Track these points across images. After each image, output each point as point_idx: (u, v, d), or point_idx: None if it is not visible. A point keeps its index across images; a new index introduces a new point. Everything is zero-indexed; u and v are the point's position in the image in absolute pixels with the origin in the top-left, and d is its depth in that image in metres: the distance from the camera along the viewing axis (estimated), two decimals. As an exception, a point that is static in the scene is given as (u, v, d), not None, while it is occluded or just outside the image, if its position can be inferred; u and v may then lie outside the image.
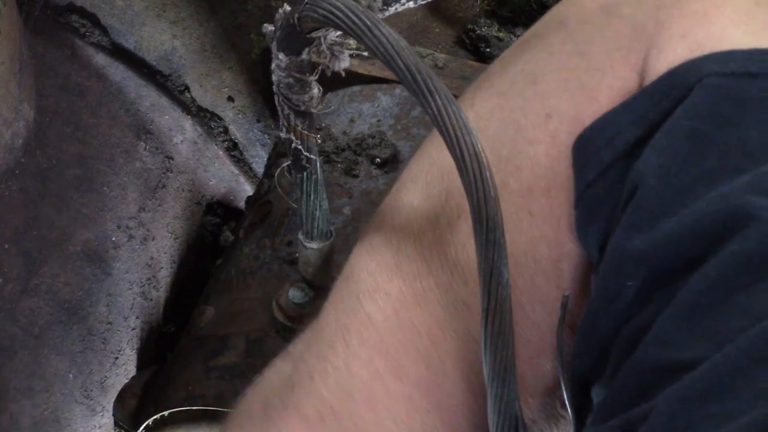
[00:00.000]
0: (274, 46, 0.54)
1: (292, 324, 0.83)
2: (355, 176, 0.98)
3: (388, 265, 0.48)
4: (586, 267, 0.44)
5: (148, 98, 1.22)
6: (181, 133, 1.26)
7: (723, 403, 0.31)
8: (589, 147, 0.43)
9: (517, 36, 1.12)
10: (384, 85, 1.06)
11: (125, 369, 1.10)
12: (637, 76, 0.44)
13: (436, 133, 0.53)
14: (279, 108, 0.59)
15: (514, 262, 0.44)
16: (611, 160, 0.42)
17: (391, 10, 0.53)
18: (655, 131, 0.41)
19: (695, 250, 0.36)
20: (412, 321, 0.47)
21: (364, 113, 1.04)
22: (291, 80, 0.56)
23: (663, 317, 0.35)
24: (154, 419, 0.90)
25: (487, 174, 0.40)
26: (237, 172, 1.36)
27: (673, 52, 0.43)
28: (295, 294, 0.82)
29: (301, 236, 0.74)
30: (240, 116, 1.34)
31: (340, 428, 0.47)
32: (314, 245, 0.74)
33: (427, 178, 0.50)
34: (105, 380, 1.06)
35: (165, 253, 1.18)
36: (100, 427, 1.05)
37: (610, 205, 0.42)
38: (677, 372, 0.33)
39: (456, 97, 0.42)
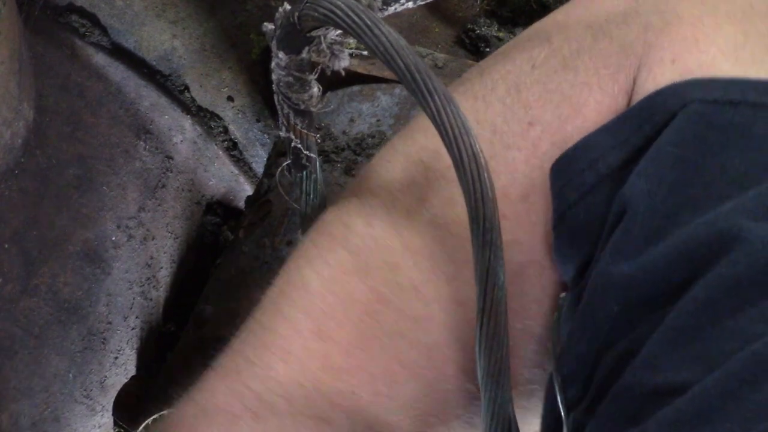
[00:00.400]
0: (274, 45, 0.54)
1: (292, 324, 0.83)
2: (355, 176, 0.99)
3: (335, 238, 0.49)
4: (555, 277, 0.45)
5: (148, 98, 1.22)
6: (181, 132, 1.26)
7: (714, 427, 0.31)
8: (570, 169, 0.43)
9: (517, 35, 1.12)
10: (384, 85, 1.06)
11: (125, 369, 1.10)
12: (625, 96, 0.44)
13: (421, 116, 0.54)
14: (278, 107, 0.59)
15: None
16: (593, 182, 0.42)
17: (391, 9, 0.53)
18: (639, 155, 0.41)
19: (683, 274, 0.36)
20: (347, 289, 0.48)
21: (363, 113, 1.04)
22: (291, 79, 0.56)
23: (651, 341, 0.35)
24: (154, 419, 0.90)
25: (485, 175, 0.40)
26: (237, 171, 1.36)
27: (662, 76, 0.43)
28: (294, 294, 0.82)
29: (300, 236, 0.74)
30: (240, 116, 1.34)
31: (253, 378, 0.48)
32: (314, 245, 0.74)
33: (392, 162, 0.50)
34: (105, 380, 1.06)
35: (165, 252, 1.18)
36: (99, 426, 1.05)
37: (591, 228, 0.42)
38: (667, 396, 0.33)
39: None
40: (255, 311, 0.53)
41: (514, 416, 0.43)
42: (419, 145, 0.50)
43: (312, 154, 0.62)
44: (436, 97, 0.41)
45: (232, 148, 1.35)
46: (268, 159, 1.21)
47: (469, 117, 0.47)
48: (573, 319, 0.41)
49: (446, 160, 0.42)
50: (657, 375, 0.34)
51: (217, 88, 1.31)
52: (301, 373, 0.47)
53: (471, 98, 0.49)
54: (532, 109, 0.46)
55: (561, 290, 0.45)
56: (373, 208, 0.49)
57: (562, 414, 0.41)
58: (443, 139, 0.41)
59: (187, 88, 1.28)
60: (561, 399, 0.41)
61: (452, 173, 0.42)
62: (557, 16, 0.52)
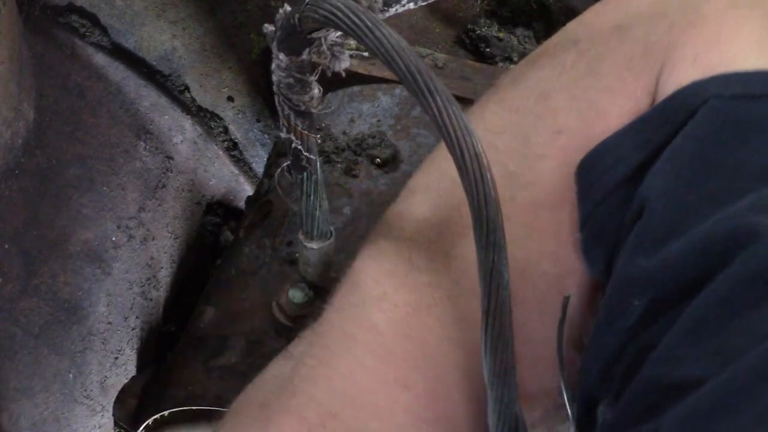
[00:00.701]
0: (274, 47, 0.54)
1: (292, 324, 0.83)
2: (355, 176, 0.98)
3: (397, 274, 0.48)
4: (590, 284, 0.45)
5: (148, 98, 1.22)
6: (181, 133, 1.26)
7: (730, 422, 0.31)
8: (594, 170, 0.43)
9: (517, 36, 1.12)
10: (384, 85, 1.06)
11: (125, 369, 1.10)
12: (648, 96, 0.45)
13: (440, 145, 0.53)
14: (279, 108, 0.59)
15: (520, 276, 0.44)
16: (616, 183, 0.42)
17: (392, 11, 0.53)
18: (659, 154, 0.41)
19: (701, 269, 0.36)
20: (419, 332, 0.46)
21: (364, 113, 1.04)
22: (291, 80, 0.56)
23: (669, 335, 0.35)
24: (154, 419, 0.90)
25: (488, 175, 0.40)
26: (237, 172, 1.36)
27: (684, 74, 0.43)
28: (295, 294, 0.82)
29: (301, 236, 0.74)
30: (240, 116, 1.34)
31: None
32: (314, 245, 0.74)
33: (439, 189, 0.50)
34: (105, 380, 1.06)
35: (165, 253, 1.18)
36: (100, 427, 1.05)
37: (615, 227, 0.42)
38: (684, 389, 0.33)
39: (457, 98, 0.42)
40: (319, 348, 0.50)
41: (522, 415, 0.43)
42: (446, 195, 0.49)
43: (312, 156, 0.62)
44: (437, 98, 0.41)
45: (233, 149, 1.35)
46: (268, 159, 1.21)
47: (506, 131, 0.47)
48: (600, 313, 0.41)
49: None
50: (674, 369, 0.35)
51: (217, 89, 1.31)
52: (396, 428, 0.46)
53: (506, 111, 0.49)
54: (559, 117, 0.46)
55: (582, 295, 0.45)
56: (429, 237, 0.48)
57: (569, 413, 0.41)
58: (445, 140, 0.41)
59: (187, 88, 1.28)
60: (567, 397, 0.41)
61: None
62: (587, 16, 0.52)
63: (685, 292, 0.36)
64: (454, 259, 0.46)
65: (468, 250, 0.46)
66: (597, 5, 0.53)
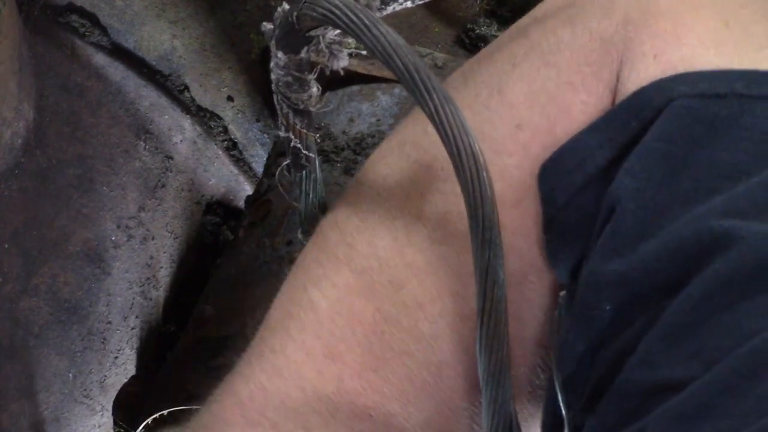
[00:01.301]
0: (273, 45, 0.54)
1: (292, 323, 0.83)
2: (354, 177, 0.99)
3: (339, 259, 0.49)
4: (554, 282, 0.44)
5: (148, 98, 1.22)
6: (181, 132, 1.26)
7: (715, 423, 0.31)
8: (558, 170, 0.43)
9: (517, 35, 1.12)
10: (383, 85, 1.06)
11: (125, 369, 1.10)
12: (610, 93, 0.44)
13: (391, 135, 0.54)
14: (278, 106, 0.59)
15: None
16: (582, 183, 0.42)
17: (389, 9, 0.53)
18: (626, 153, 0.41)
19: (676, 271, 0.36)
20: (353, 310, 0.47)
21: (363, 113, 1.04)
22: (290, 79, 0.56)
23: (648, 338, 0.35)
24: (154, 419, 0.90)
25: (484, 174, 0.40)
26: (236, 171, 1.36)
27: (645, 72, 0.43)
28: (294, 293, 0.82)
29: (300, 235, 0.74)
30: (239, 116, 1.34)
31: (269, 407, 0.47)
32: (314, 244, 0.74)
33: (386, 180, 0.50)
34: (105, 380, 1.06)
35: (165, 252, 1.18)
36: (99, 426, 1.05)
37: (582, 229, 0.42)
38: (665, 392, 0.33)
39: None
40: (262, 330, 0.51)
41: (516, 415, 0.43)
42: (417, 149, 0.50)
43: (311, 154, 0.62)
44: (434, 96, 0.41)
45: (232, 148, 1.35)
46: (267, 159, 1.21)
47: None
48: (569, 319, 0.41)
49: (442, 167, 0.42)
50: (654, 372, 0.34)
51: (216, 88, 1.31)
52: (317, 399, 0.46)
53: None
54: (518, 111, 0.46)
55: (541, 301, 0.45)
56: (374, 226, 0.49)
57: (564, 414, 0.41)
58: (442, 138, 0.41)
59: (186, 88, 1.28)
60: (562, 399, 0.41)
61: (449, 185, 0.42)
62: (535, 11, 0.52)
63: (659, 293, 0.36)
64: (400, 250, 0.47)
65: (415, 242, 0.47)
66: (543, 2, 0.52)
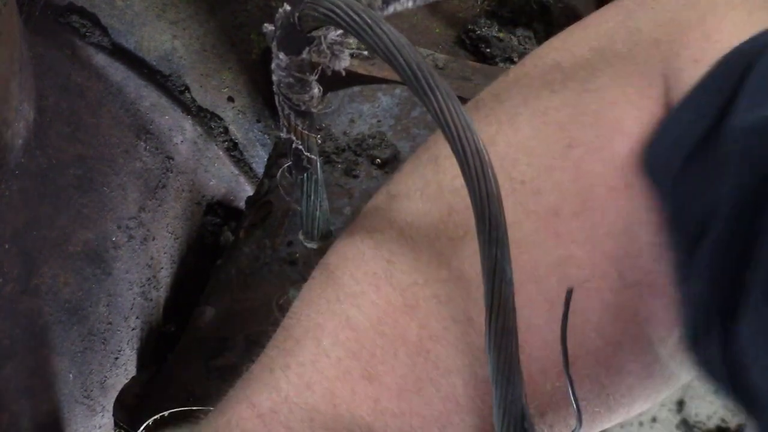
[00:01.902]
0: (274, 46, 0.54)
1: (293, 324, 0.83)
2: (356, 177, 0.98)
3: (377, 275, 0.48)
4: (617, 288, 0.44)
5: (148, 98, 1.22)
6: (181, 133, 1.26)
7: None
8: (662, 146, 0.42)
9: (517, 36, 1.12)
10: (384, 86, 1.06)
11: (125, 369, 1.10)
12: (661, 108, 0.44)
13: (421, 151, 0.53)
14: (279, 108, 0.59)
15: (536, 282, 0.44)
16: (690, 150, 0.41)
17: (390, 9, 0.53)
18: (734, 100, 0.40)
19: None
20: (397, 329, 0.46)
21: (364, 113, 1.04)
22: (291, 80, 0.56)
23: None
24: (154, 419, 0.89)
25: (489, 171, 0.40)
26: (237, 172, 1.36)
27: (695, 71, 0.43)
28: (295, 294, 0.82)
29: (301, 236, 0.74)
30: (240, 116, 1.34)
31: (293, 419, 0.45)
32: (314, 246, 0.74)
33: (423, 195, 0.49)
34: (105, 380, 1.05)
35: (165, 253, 1.18)
36: (100, 427, 1.05)
37: (702, 195, 0.41)
38: None
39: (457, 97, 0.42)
40: (283, 341, 0.49)
41: (527, 410, 0.43)
42: (447, 176, 0.48)
43: (313, 156, 0.62)
44: (438, 95, 0.41)
45: (233, 149, 1.35)
46: (268, 159, 1.21)
47: (499, 141, 0.46)
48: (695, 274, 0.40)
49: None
50: None
51: (217, 89, 1.31)
52: (349, 418, 0.45)
53: (495, 123, 0.48)
54: (567, 131, 0.45)
55: (616, 299, 0.44)
56: (416, 241, 0.47)
57: (575, 411, 0.41)
58: (447, 137, 0.41)
59: (187, 88, 1.28)
60: (572, 393, 0.41)
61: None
62: (554, 42, 0.52)
63: None
64: (449, 260, 0.46)
65: (464, 251, 0.46)
66: (559, 35, 0.52)
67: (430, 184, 0.49)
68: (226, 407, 0.48)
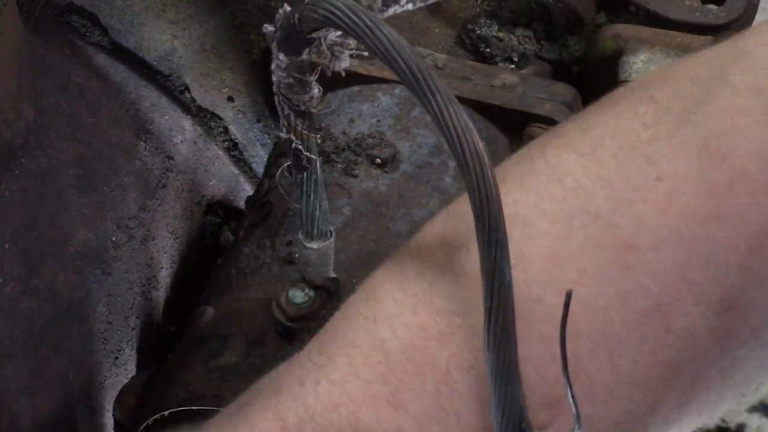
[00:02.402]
0: (274, 47, 0.54)
1: (293, 324, 0.83)
2: (355, 176, 0.98)
3: (417, 297, 0.48)
4: (691, 316, 0.44)
5: (148, 98, 1.22)
6: (181, 133, 1.26)
7: None
8: None
9: (517, 36, 1.12)
10: (384, 85, 1.06)
11: (125, 369, 1.10)
12: None
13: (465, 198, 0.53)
14: (279, 108, 0.59)
15: (589, 311, 0.44)
16: None
17: (390, 11, 0.53)
18: None
19: None
20: (427, 357, 0.46)
21: (363, 113, 1.04)
22: (291, 80, 0.56)
23: None
24: (154, 419, 0.90)
25: (489, 174, 0.40)
26: (237, 172, 1.36)
27: None
28: (295, 294, 0.82)
29: (300, 236, 0.74)
30: (240, 116, 1.34)
31: None
32: (314, 245, 0.74)
33: (469, 235, 0.49)
34: (105, 380, 1.06)
35: (165, 253, 1.18)
36: (100, 427, 1.05)
37: None
38: None
39: (457, 98, 0.42)
40: (317, 356, 0.49)
41: (526, 412, 0.43)
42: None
43: (313, 156, 0.63)
44: (438, 97, 0.41)
45: (233, 149, 1.35)
46: (268, 159, 1.21)
47: (575, 172, 0.46)
48: None
49: None
50: None
51: (217, 89, 1.31)
52: None
53: (574, 152, 0.48)
54: (657, 165, 0.45)
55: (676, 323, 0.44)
56: (458, 267, 0.47)
57: (574, 413, 0.41)
58: (446, 139, 0.41)
59: (187, 88, 1.28)
60: (570, 395, 0.41)
61: None
62: (657, 74, 0.51)
63: None
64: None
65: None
66: (668, 65, 0.52)
67: (464, 221, 0.50)
68: (249, 413, 0.48)
